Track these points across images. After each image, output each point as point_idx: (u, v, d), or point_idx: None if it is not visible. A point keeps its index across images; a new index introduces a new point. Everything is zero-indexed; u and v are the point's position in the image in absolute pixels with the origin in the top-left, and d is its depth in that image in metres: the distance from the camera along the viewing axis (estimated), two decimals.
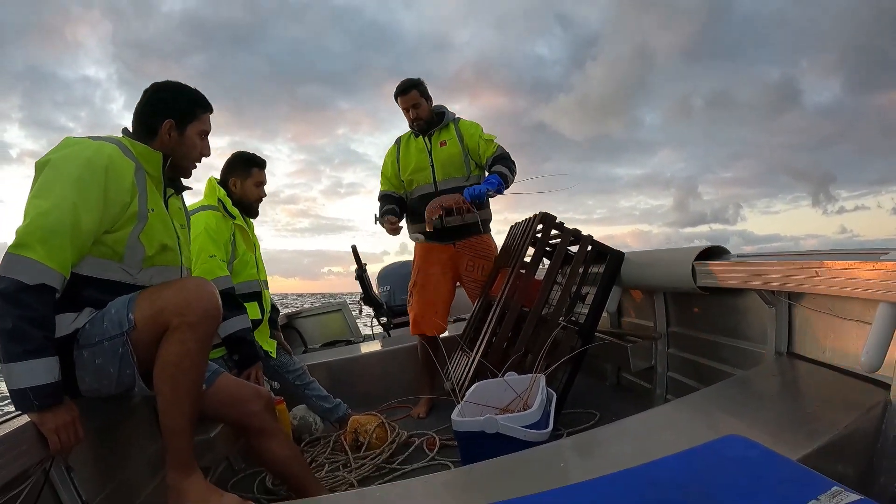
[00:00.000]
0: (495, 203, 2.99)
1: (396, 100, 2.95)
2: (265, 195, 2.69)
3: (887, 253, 1.32)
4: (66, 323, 1.43)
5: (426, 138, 2.96)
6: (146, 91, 1.65)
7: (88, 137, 1.51)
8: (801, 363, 1.67)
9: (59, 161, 1.42)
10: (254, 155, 2.65)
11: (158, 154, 1.60)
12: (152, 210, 1.55)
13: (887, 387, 1.32)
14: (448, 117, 2.99)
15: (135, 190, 1.50)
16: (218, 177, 2.63)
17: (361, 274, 4.50)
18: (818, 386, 1.51)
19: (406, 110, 2.94)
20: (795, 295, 1.70)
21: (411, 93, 2.89)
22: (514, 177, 2.86)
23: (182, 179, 1.76)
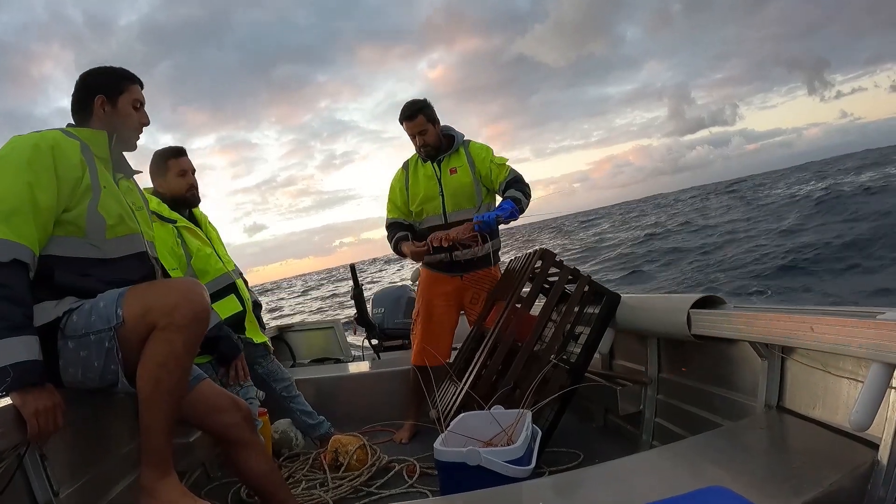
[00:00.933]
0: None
1: (402, 124, 2.83)
2: (194, 182, 2.57)
3: (884, 312, 1.32)
4: (47, 310, 1.44)
5: (435, 164, 2.86)
6: (76, 83, 1.71)
7: (32, 132, 1.56)
8: (791, 418, 1.66)
9: (7, 153, 1.47)
10: (166, 148, 2.57)
11: (103, 133, 1.65)
12: (104, 187, 1.59)
13: (875, 447, 1.31)
14: (458, 141, 2.88)
15: (84, 165, 1.55)
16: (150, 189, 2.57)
17: (358, 294, 4.50)
18: (806, 442, 1.49)
19: (413, 136, 2.82)
20: (789, 349, 1.70)
21: (418, 118, 2.76)
22: (528, 200, 2.76)
23: (129, 161, 1.80)
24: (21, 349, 1.32)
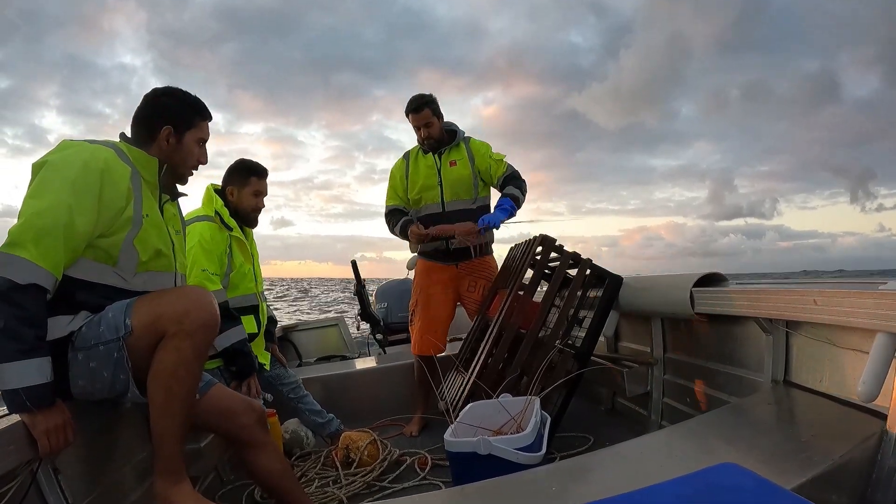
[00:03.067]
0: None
1: (408, 116, 2.89)
2: (263, 206, 2.63)
3: (885, 283, 1.32)
4: (61, 325, 1.43)
5: (436, 156, 2.92)
6: (146, 96, 1.66)
7: (86, 140, 1.52)
8: (798, 392, 1.67)
9: (55, 163, 1.43)
10: (255, 163, 2.60)
11: (155, 160, 1.61)
12: (147, 216, 1.56)
13: (884, 417, 1.32)
14: (459, 136, 2.95)
15: (130, 195, 1.51)
16: (219, 183, 2.59)
17: (360, 290, 4.49)
18: (814, 415, 1.50)
19: (418, 128, 2.89)
20: (793, 323, 1.70)
21: (424, 111, 2.84)
22: (524, 196, 2.85)
23: (178, 186, 1.77)
24: (33, 372, 1.31)
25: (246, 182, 2.56)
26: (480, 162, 2.91)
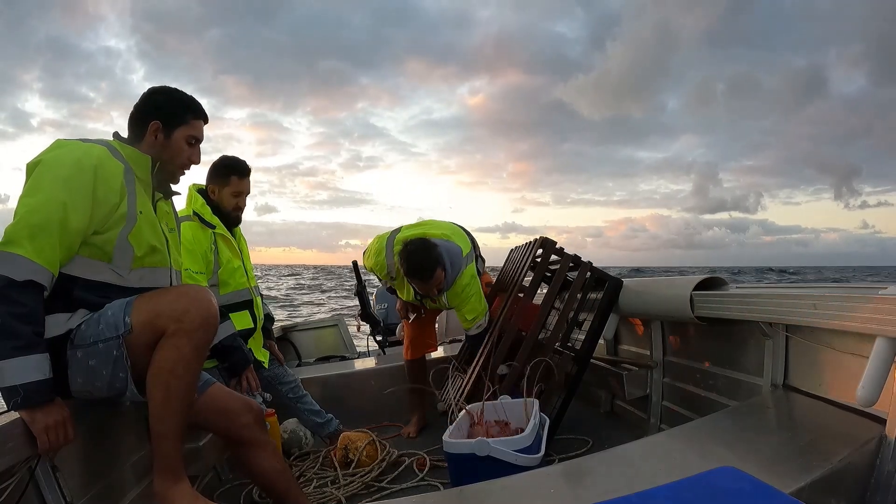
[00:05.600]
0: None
1: (410, 279, 2.58)
2: (244, 205, 2.57)
3: (885, 288, 1.32)
4: (59, 322, 1.43)
5: (418, 297, 2.77)
6: (142, 94, 1.66)
7: (79, 139, 1.53)
8: (797, 396, 1.67)
9: (49, 162, 1.44)
10: (236, 162, 2.53)
11: (147, 157, 1.60)
12: (141, 212, 1.56)
13: (882, 421, 1.32)
14: (443, 292, 2.65)
15: (124, 191, 1.51)
16: (203, 182, 2.55)
17: (361, 290, 4.49)
18: (813, 419, 1.50)
19: (428, 292, 2.61)
20: (793, 327, 1.70)
21: (437, 273, 2.48)
22: None
23: (171, 185, 1.76)
24: (31, 368, 1.31)
25: (226, 182, 2.50)
26: (452, 303, 2.70)
